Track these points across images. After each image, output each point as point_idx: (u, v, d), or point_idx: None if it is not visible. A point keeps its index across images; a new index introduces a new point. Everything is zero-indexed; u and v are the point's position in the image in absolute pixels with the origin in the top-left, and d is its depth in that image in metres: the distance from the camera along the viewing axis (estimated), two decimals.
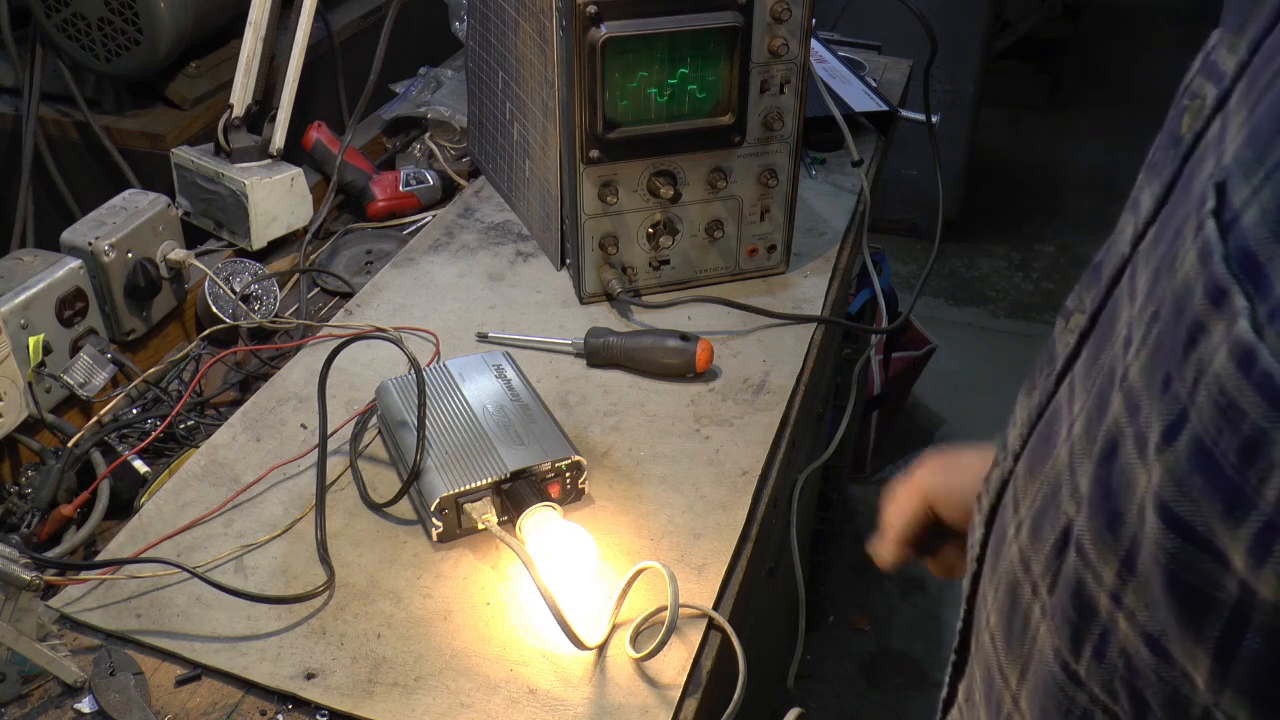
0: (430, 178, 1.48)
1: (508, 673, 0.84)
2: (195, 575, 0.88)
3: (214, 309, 1.20)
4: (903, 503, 0.83)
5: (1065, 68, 4.47)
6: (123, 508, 0.99)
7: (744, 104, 1.18)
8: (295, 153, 1.41)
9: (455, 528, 0.94)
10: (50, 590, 0.87)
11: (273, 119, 1.36)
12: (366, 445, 1.05)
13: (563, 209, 1.25)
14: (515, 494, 0.94)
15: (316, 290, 1.33)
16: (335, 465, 1.02)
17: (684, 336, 1.13)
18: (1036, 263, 3.58)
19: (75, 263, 1.09)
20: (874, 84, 1.72)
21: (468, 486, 0.93)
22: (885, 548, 0.84)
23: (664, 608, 0.85)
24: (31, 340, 1.04)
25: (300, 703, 0.82)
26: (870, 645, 2.33)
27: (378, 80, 1.47)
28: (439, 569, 0.93)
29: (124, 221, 1.15)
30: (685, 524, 0.97)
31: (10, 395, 1.00)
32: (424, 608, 0.89)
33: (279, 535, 0.95)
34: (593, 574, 0.90)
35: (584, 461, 0.97)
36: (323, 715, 0.81)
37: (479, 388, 1.04)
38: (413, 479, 0.95)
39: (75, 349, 1.09)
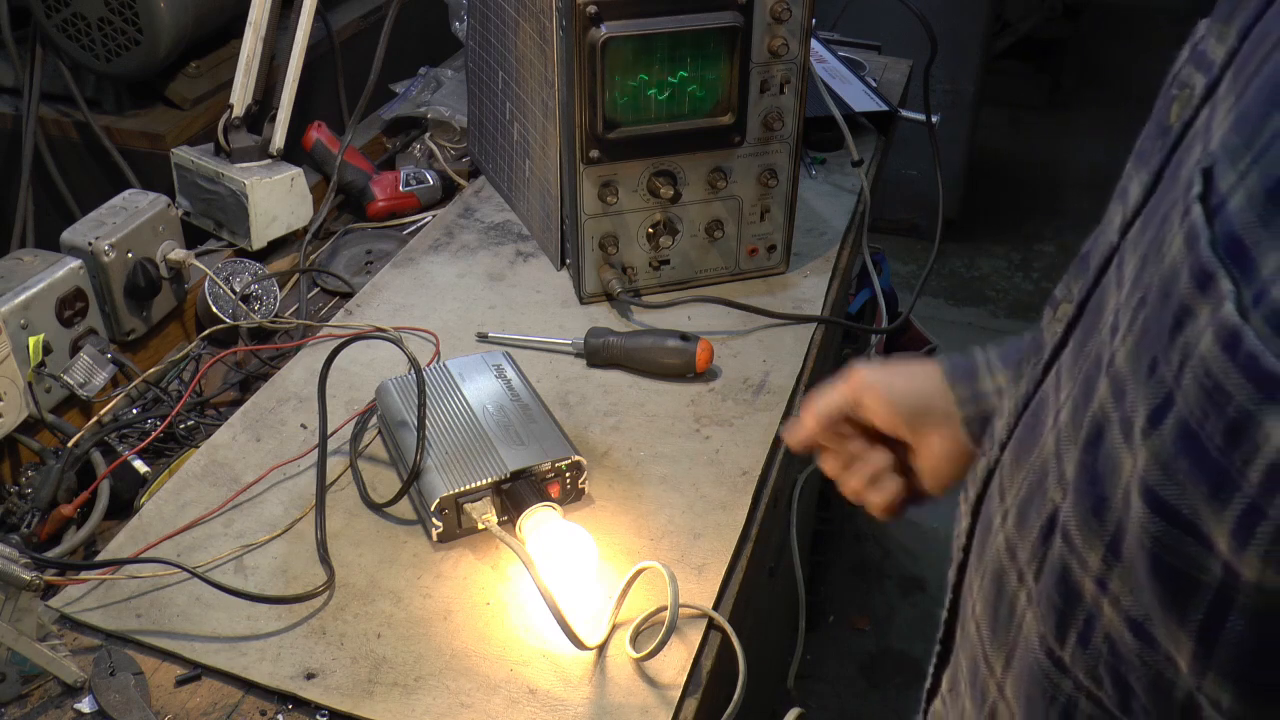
0: (430, 178, 1.48)
1: (508, 673, 0.84)
2: (195, 575, 0.88)
3: (214, 309, 1.20)
4: (830, 391, 0.84)
5: (1065, 68, 4.47)
6: (123, 508, 0.99)
7: (744, 104, 1.18)
8: (295, 153, 1.41)
9: (455, 528, 0.94)
10: (50, 590, 0.87)
11: (273, 119, 1.36)
12: (366, 445, 1.05)
13: (563, 209, 1.25)
14: (515, 494, 0.94)
15: (316, 290, 1.33)
16: (335, 465, 1.02)
17: (684, 336, 1.13)
18: (1036, 263, 3.58)
19: (75, 263, 1.09)
20: (874, 84, 1.72)
21: (468, 486, 0.93)
22: (799, 426, 0.85)
23: (664, 608, 0.85)
24: (31, 340, 1.04)
25: (300, 703, 0.82)
26: (870, 645, 2.33)
27: (378, 80, 1.47)
28: (439, 569, 0.93)
29: (124, 221, 1.15)
30: (685, 524, 0.97)
31: (10, 395, 1.00)
32: (424, 608, 0.89)
33: (279, 535, 0.95)
34: (593, 574, 0.90)
35: (584, 461, 0.97)
36: (323, 715, 0.81)
37: (479, 388, 1.04)
38: (413, 479, 0.95)
39: (75, 349, 1.09)
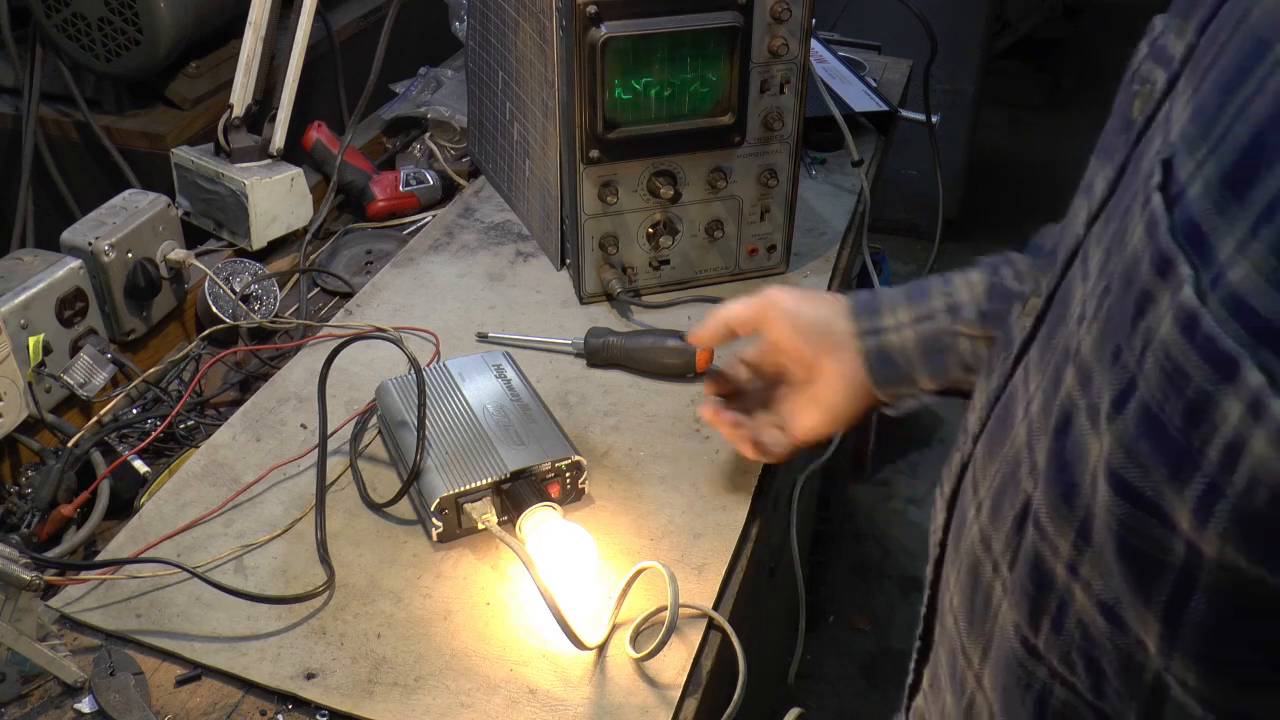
0: (430, 178, 1.48)
1: (508, 673, 0.84)
2: (195, 575, 0.88)
3: (214, 309, 1.20)
4: (740, 304, 0.91)
5: (1065, 68, 4.47)
6: (123, 508, 0.99)
7: (744, 104, 1.18)
8: (295, 153, 1.41)
9: (455, 528, 0.94)
10: (50, 590, 0.87)
11: (273, 119, 1.36)
12: (366, 445, 1.05)
13: (563, 209, 1.25)
14: (515, 494, 0.94)
15: (316, 290, 1.33)
16: (335, 465, 1.02)
17: (684, 337, 1.13)
18: None
19: (75, 263, 1.09)
20: (874, 84, 1.72)
21: (468, 486, 0.93)
22: (703, 328, 0.94)
23: (664, 608, 0.85)
24: (31, 340, 1.04)
25: (300, 703, 0.82)
26: (870, 645, 2.33)
27: (378, 80, 1.47)
28: (439, 569, 0.93)
29: (124, 221, 1.15)
30: (685, 524, 0.97)
31: (10, 395, 1.00)
32: (424, 608, 0.89)
33: (279, 535, 0.95)
34: (593, 574, 0.90)
35: (584, 461, 0.97)
36: (323, 715, 0.81)
37: (479, 388, 1.04)
38: (413, 479, 0.95)
39: (75, 349, 1.09)
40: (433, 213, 1.46)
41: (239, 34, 1.36)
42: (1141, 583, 0.40)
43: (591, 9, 1.08)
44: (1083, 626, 0.44)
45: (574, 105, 1.13)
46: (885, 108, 1.64)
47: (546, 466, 0.95)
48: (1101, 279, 0.44)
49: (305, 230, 1.39)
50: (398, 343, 0.98)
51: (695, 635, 0.87)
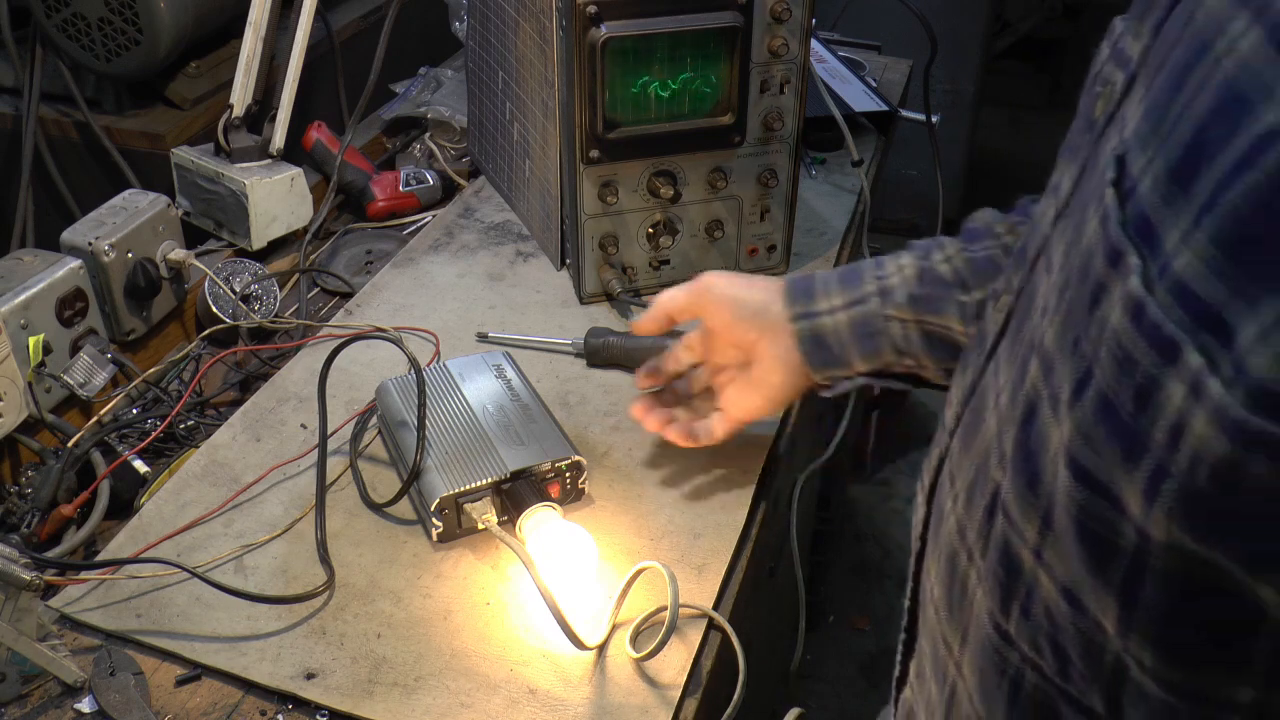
0: (430, 178, 1.48)
1: (508, 673, 0.84)
2: (195, 575, 0.88)
3: (214, 309, 1.20)
4: (679, 292, 0.95)
5: (1065, 68, 4.47)
6: (123, 508, 0.99)
7: (744, 104, 1.18)
8: (295, 153, 1.41)
9: (455, 528, 0.94)
10: (50, 590, 0.87)
11: (273, 119, 1.36)
12: (366, 445, 1.05)
13: (563, 209, 1.25)
14: (515, 494, 0.94)
15: (316, 290, 1.33)
16: (335, 465, 1.02)
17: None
18: None
19: (75, 263, 1.09)
20: (874, 84, 1.72)
21: (468, 486, 0.93)
22: (646, 318, 0.97)
23: (664, 608, 0.85)
24: (31, 340, 1.04)
25: (300, 703, 0.82)
26: (870, 645, 2.33)
27: (378, 80, 1.47)
28: (439, 569, 0.93)
29: (124, 221, 1.15)
30: (685, 524, 0.97)
31: (10, 395, 1.00)
32: (424, 608, 0.89)
33: (279, 535, 0.95)
34: (593, 574, 0.90)
35: (584, 461, 0.97)
36: (323, 715, 0.81)
37: (479, 388, 1.04)
38: (413, 479, 0.95)
39: (75, 349, 1.09)
40: (433, 213, 1.46)
41: (239, 34, 1.36)
42: (1098, 566, 0.41)
43: (591, 9, 1.08)
44: (1048, 611, 0.45)
45: (574, 105, 1.13)
46: (885, 108, 1.64)
47: (546, 466, 0.95)
48: (1062, 273, 0.45)
49: (305, 230, 1.39)
50: (398, 343, 0.98)
51: (695, 635, 0.87)
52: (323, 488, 0.98)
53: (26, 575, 0.78)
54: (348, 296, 1.28)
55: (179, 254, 1.20)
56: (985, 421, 0.52)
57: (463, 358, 1.08)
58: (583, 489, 0.99)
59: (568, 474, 0.97)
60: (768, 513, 1.02)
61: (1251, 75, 0.34)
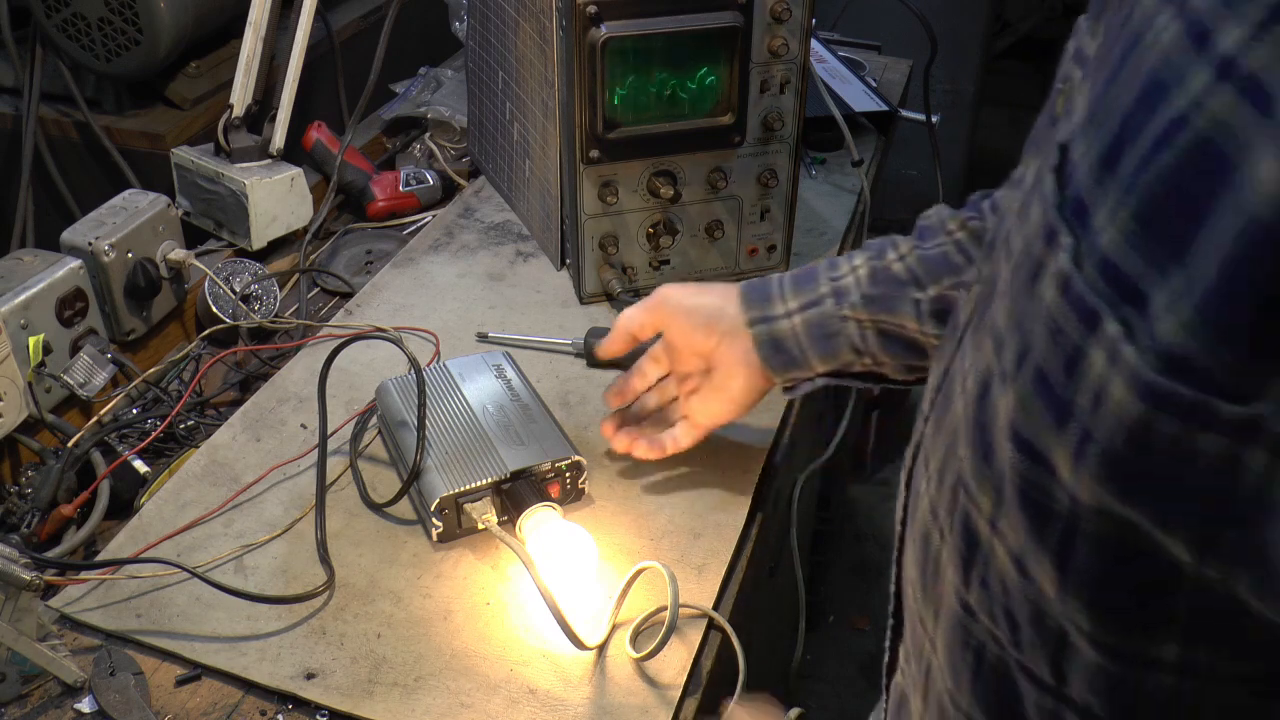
0: (430, 178, 1.48)
1: (508, 673, 0.84)
2: (195, 575, 0.88)
3: (214, 309, 1.20)
4: (638, 310, 0.96)
5: None
6: (123, 508, 0.99)
7: (744, 104, 1.18)
8: (295, 153, 1.41)
9: (455, 528, 0.94)
10: (50, 590, 0.87)
11: (273, 119, 1.36)
12: (366, 445, 1.05)
13: (563, 209, 1.25)
14: (515, 494, 0.94)
15: (316, 290, 1.33)
16: (335, 465, 1.02)
17: None
18: None
19: (75, 263, 1.09)
20: (874, 84, 1.72)
21: (468, 486, 0.93)
22: (610, 342, 0.99)
23: (664, 608, 0.85)
24: (31, 340, 1.04)
25: (300, 703, 0.82)
26: (870, 645, 2.33)
27: (378, 80, 1.47)
28: (439, 569, 0.93)
29: (124, 221, 1.15)
30: (685, 524, 0.97)
31: (10, 395, 1.00)
32: (424, 608, 0.89)
33: (279, 535, 0.95)
34: (593, 574, 0.90)
35: (584, 461, 0.97)
36: (323, 715, 0.81)
37: (479, 388, 1.04)
38: (413, 479, 0.95)
39: (75, 349, 1.09)
40: (433, 213, 1.46)
41: (239, 34, 1.36)
42: (1038, 532, 0.43)
43: (591, 9, 1.08)
44: (1003, 581, 0.47)
45: (574, 105, 1.13)
46: (885, 108, 1.64)
47: (546, 466, 0.95)
48: (1015, 256, 0.47)
49: (305, 230, 1.39)
50: (398, 343, 0.98)
51: (695, 635, 0.87)
52: (323, 488, 0.98)
53: (26, 575, 0.78)
54: (348, 296, 1.28)
55: (179, 254, 1.20)
56: (954, 404, 0.53)
57: (463, 358, 1.08)
58: (583, 489, 0.99)
59: (568, 474, 0.97)
60: (768, 513, 1.02)
61: (1170, 65, 0.36)
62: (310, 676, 0.83)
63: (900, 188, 3.28)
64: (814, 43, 1.46)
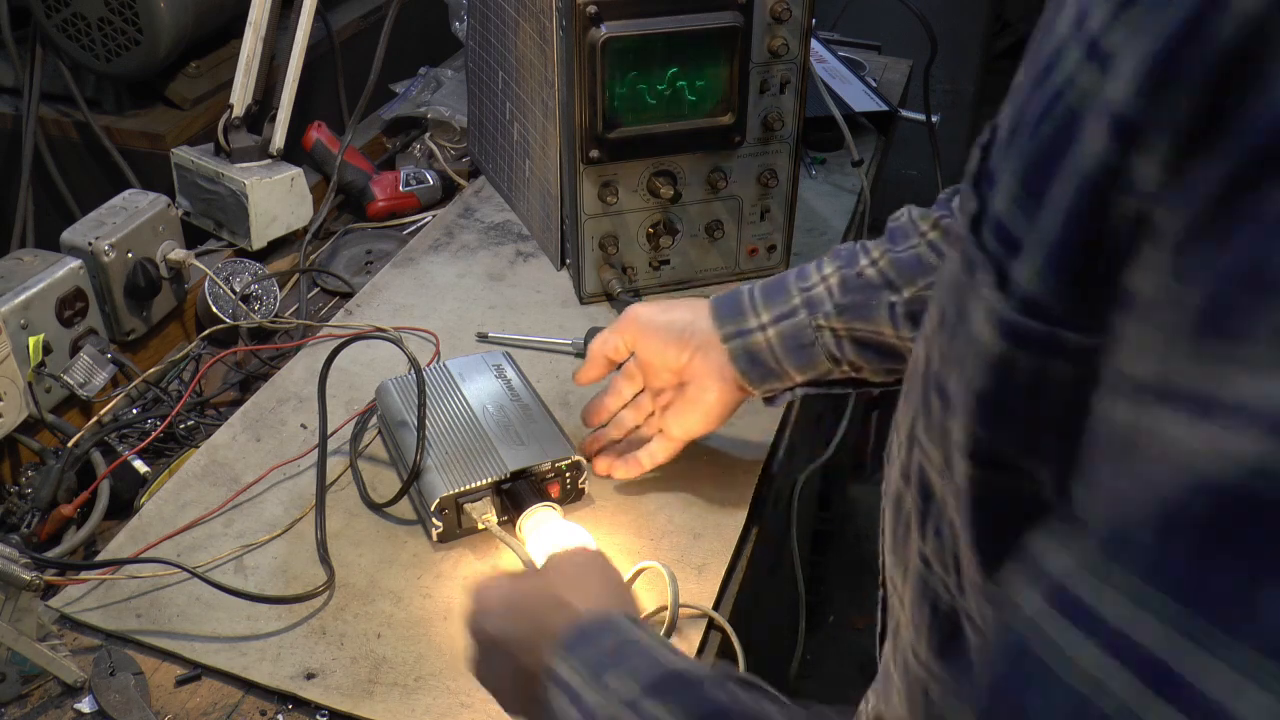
0: (430, 178, 1.48)
1: None
2: (195, 575, 0.88)
3: (214, 309, 1.20)
4: (610, 333, 0.96)
5: None
6: (123, 508, 0.99)
7: (744, 104, 1.18)
8: (295, 153, 1.41)
9: (455, 528, 0.94)
10: (50, 590, 0.87)
11: (273, 119, 1.36)
12: (366, 445, 1.05)
13: (563, 209, 1.25)
14: (515, 494, 0.94)
15: (316, 290, 1.33)
16: (335, 465, 1.02)
17: None
18: None
19: (75, 263, 1.09)
20: (874, 84, 1.72)
21: (468, 486, 0.93)
22: (588, 367, 0.99)
23: (664, 608, 0.85)
24: (31, 340, 1.04)
25: (300, 703, 0.82)
26: (870, 645, 2.33)
27: (378, 80, 1.47)
28: (439, 569, 0.93)
29: (124, 221, 1.15)
30: (685, 524, 0.97)
31: (10, 395, 1.00)
32: (424, 608, 0.89)
33: (279, 535, 0.95)
34: None
35: (584, 461, 0.97)
36: (323, 715, 0.81)
37: (479, 388, 1.04)
38: (413, 479, 0.95)
39: (75, 349, 1.09)
40: (433, 213, 1.46)
41: (239, 34, 1.36)
42: (957, 485, 0.46)
43: (591, 9, 1.08)
44: (951, 528, 0.49)
45: (574, 105, 1.13)
46: (885, 108, 1.64)
47: (546, 466, 0.95)
48: (955, 231, 0.50)
49: (305, 230, 1.39)
50: (398, 343, 0.98)
51: (695, 635, 0.87)
52: (323, 488, 0.98)
53: (26, 575, 0.78)
54: (348, 296, 1.28)
55: (179, 254, 1.20)
56: (917, 372, 0.55)
57: (463, 358, 1.08)
58: (583, 489, 0.99)
59: (568, 474, 0.97)
60: (768, 513, 1.02)
61: (1059, 48, 0.40)
62: (310, 676, 0.83)
63: (900, 188, 3.26)
64: (814, 43, 1.46)
